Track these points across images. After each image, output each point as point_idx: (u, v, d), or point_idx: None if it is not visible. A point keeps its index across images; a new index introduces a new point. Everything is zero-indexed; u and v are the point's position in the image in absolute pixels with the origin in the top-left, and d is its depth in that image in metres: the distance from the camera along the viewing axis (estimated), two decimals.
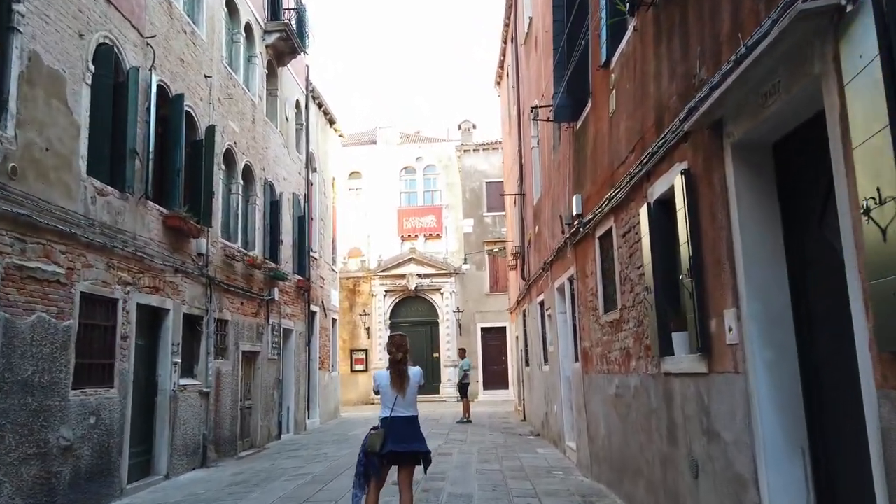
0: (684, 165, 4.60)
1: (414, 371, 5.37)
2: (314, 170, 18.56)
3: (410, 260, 27.61)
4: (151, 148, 8.89)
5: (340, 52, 70.89)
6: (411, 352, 5.59)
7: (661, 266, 5.21)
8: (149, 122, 8.89)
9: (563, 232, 9.19)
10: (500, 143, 23.89)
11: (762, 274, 3.80)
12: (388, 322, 27.42)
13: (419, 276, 27.32)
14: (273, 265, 14.18)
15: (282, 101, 15.66)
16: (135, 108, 8.50)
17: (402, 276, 27.35)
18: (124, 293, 8.16)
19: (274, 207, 14.75)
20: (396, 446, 5.13)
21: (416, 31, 72.34)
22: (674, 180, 4.75)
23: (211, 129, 10.98)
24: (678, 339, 4.90)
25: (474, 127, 30.19)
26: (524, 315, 15.79)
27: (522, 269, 15.07)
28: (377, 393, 5.42)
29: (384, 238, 28.58)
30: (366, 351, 27.16)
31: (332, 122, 20.53)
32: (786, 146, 3.77)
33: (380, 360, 26.76)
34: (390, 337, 5.53)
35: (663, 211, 5.30)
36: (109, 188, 7.95)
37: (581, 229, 7.95)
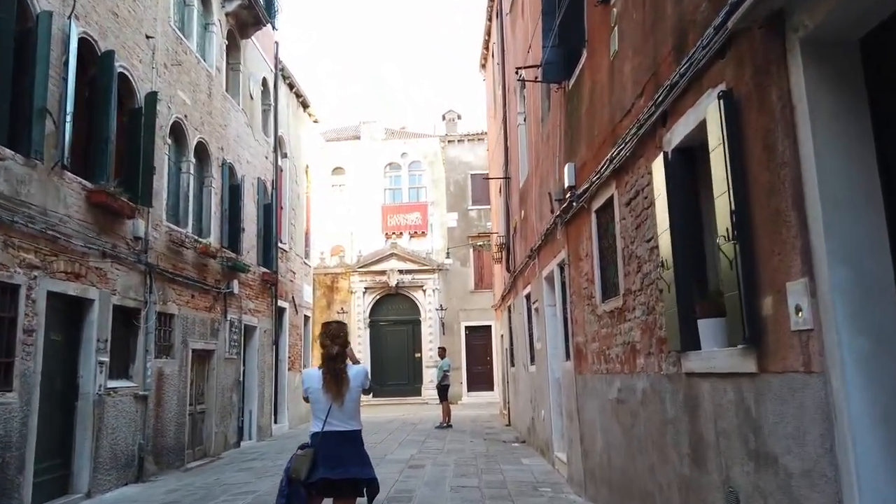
0: (721, 88, 3.36)
1: (356, 371, 4.09)
2: (284, 155, 17.22)
3: (391, 255, 26.32)
4: (70, 110, 7.54)
5: (322, 46, 69.49)
6: (352, 347, 4.31)
7: (681, 233, 3.98)
8: (66, 80, 7.55)
9: (552, 211, 7.96)
10: (486, 133, 22.67)
11: (850, 227, 2.57)
12: (368, 321, 26.12)
13: (400, 272, 26.03)
14: (232, 255, 12.84)
15: (245, 77, 14.33)
16: (45, 61, 7.15)
17: (383, 273, 26.05)
18: (28, 278, 6.81)
19: (234, 192, 13.41)
20: (329, 472, 3.87)
21: (398, 22, 71.03)
22: (705, 113, 3.51)
23: (152, 97, 9.64)
24: (707, 327, 3.67)
25: (459, 117, 28.98)
26: (509, 311, 14.56)
27: (507, 261, 13.83)
28: (307, 400, 4.13)
29: (368, 235, 27.26)
30: None
31: (305, 105, 19.20)
32: (881, 41, 2.55)
33: (359, 361, 25.46)
34: (324, 325, 4.23)
35: (685, 161, 4.07)
36: (8, 151, 6.61)
37: (574, 204, 6.72)
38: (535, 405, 10.58)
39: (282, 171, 17.06)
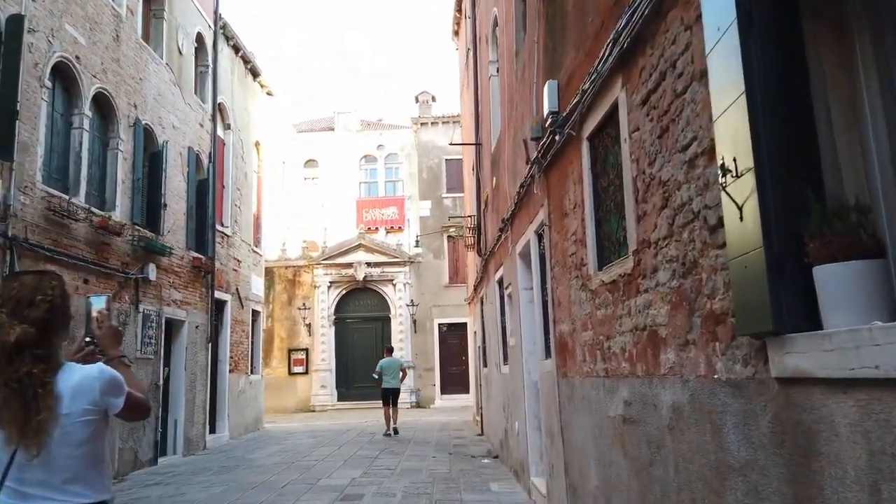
0: None
1: (87, 377, 1.95)
2: (227, 126, 15.09)
3: (359, 246, 24.24)
4: None
5: (284, 15, 67.23)
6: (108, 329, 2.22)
7: (772, 101, 1.99)
8: None
9: (527, 162, 5.96)
10: (461, 117, 20.68)
11: None
12: (333, 317, 23.98)
13: (369, 264, 23.94)
14: (148, 234, 10.71)
15: (172, 28, 12.19)
16: None
17: (350, 265, 23.94)
18: None
19: (154, 160, 11.27)
20: None
21: (368, 10, 68.88)
22: None
23: (16, 22, 7.50)
24: (839, 282, 1.69)
25: (433, 99, 26.97)
26: (481, 303, 12.57)
27: (478, 243, 11.84)
28: None
29: (342, 231, 25.13)
30: (306, 350, 23.66)
31: (255, 73, 17.05)
32: None
33: (322, 360, 23.39)
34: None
35: None
36: None
37: (556, 137, 4.72)
38: (509, 414, 8.59)
39: (224, 144, 14.92)
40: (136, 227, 10.37)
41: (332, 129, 33.05)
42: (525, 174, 6.04)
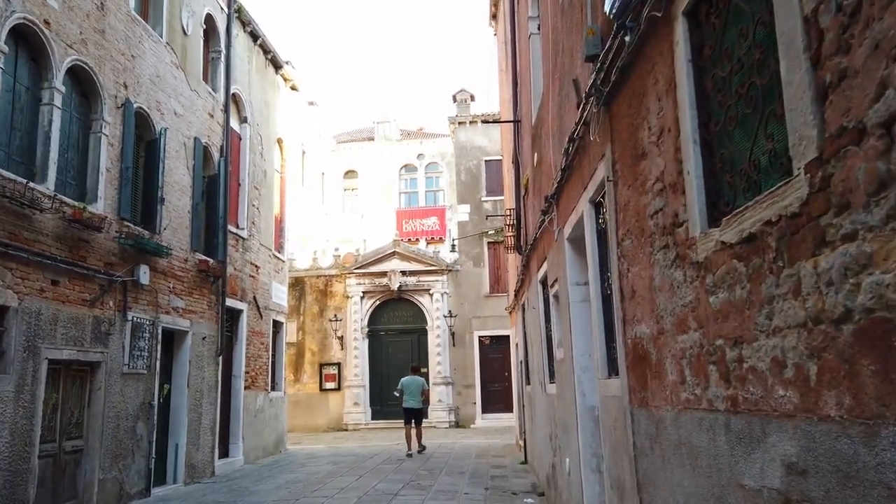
0: None
1: None
2: (244, 120, 13.82)
3: (394, 254, 22.73)
4: None
5: (331, 54, 66.96)
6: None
7: None
8: None
9: (579, 105, 4.29)
10: (499, 101, 19.07)
11: None
12: (367, 330, 22.52)
13: (404, 273, 22.42)
14: (140, 231, 9.40)
15: (174, 4, 10.96)
16: None
17: (384, 274, 22.46)
18: None
19: (150, 149, 10.00)
20: None
21: (402, 20, 68.09)
22: None
23: None
24: None
25: (472, 98, 25.40)
26: (523, 310, 10.86)
27: (518, 239, 10.15)
28: None
29: (382, 242, 23.68)
30: (338, 365, 22.24)
31: (276, 65, 15.80)
32: None
33: (355, 375, 21.92)
34: None
35: None
36: None
37: (628, 35, 3.05)
38: (557, 446, 6.85)
39: (239, 138, 13.66)
40: (125, 222, 9.06)
41: (372, 139, 32.10)
42: (577, 121, 4.36)
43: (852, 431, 1.49)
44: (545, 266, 7.11)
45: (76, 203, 7.98)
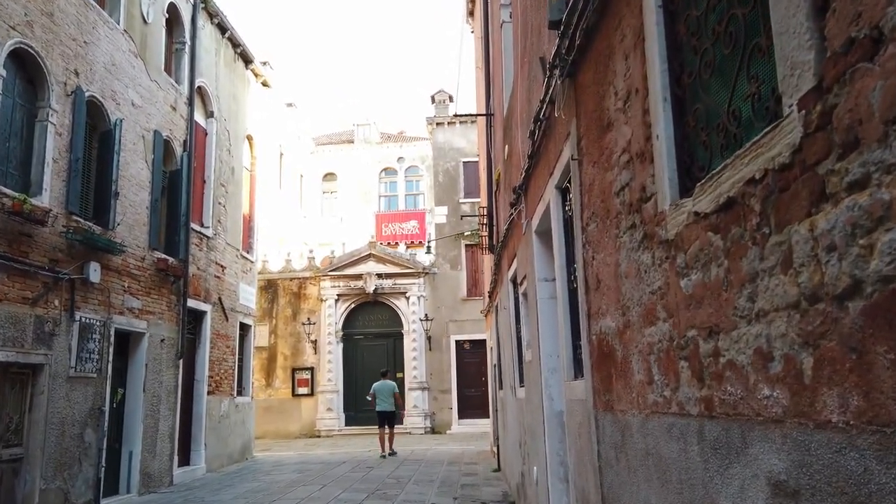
0: None
1: None
2: (210, 114, 13.33)
3: (369, 256, 22.27)
4: None
5: (310, 56, 66.47)
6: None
7: None
8: None
9: (544, 81, 3.92)
10: (478, 116, 18.75)
11: None
12: (341, 333, 22.00)
13: (379, 275, 21.95)
14: (90, 226, 8.88)
15: None
16: None
17: (359, 277, 21.97)
18: None
19: (104, 140, 9.50)
20: None
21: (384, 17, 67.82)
22: None
23: None
24: None
25: (451, 99, 25.06)
26: (496, 311, 10.49)
27: (491, 237, 9.79)
28: None
29: (362, 245, 23.19)
30: (311, 370, 21.69)
31: (246, 59, 15.31)
32: None
33: (329, 381, 21.39)
34: None
35: None
36: None
37: None
38: (526, 454, 6.47)
39: (205, 133, 13.16)
40: (74, 216, 8.55)
41: (352, 142, 31.67)
42: (542, 99, 3.99)
43: (862, 442, 1.12)
44: (515, 263, 6.75)
45: (16, 194, 7.47)
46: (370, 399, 14.76)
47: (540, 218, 4.83)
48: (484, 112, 9.53)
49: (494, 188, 8.82)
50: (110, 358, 9.29)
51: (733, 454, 1.60)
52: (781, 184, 1.39)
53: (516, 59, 6.29)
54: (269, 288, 21.98)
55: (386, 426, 14.30)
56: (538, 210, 4.88)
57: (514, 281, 7.19)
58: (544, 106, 4.00)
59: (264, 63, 17.79)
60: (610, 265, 2.74)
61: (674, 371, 2.02)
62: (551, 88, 3.75)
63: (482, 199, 14.31)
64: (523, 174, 5.25)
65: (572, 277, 3.86)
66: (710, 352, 1.75)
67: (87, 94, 8.97)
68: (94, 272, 8.80)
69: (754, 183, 1.50)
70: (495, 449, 12.22)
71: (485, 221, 11.22)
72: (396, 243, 24.90)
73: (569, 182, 3.83)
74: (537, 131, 4.30)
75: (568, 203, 3.91)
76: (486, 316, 15.08)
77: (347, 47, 69.32)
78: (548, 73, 3.75)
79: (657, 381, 2.18)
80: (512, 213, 6.05)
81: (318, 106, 57.79)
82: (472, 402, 21.34)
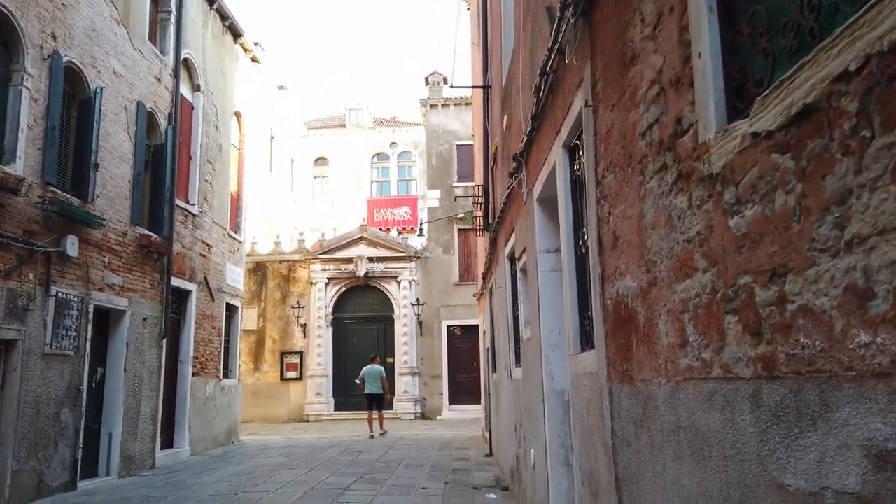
0: None
1: None
2: (197, 88, 12.89)
3: (360, 239, 21.91)
4: None
5: (304, 40, 65.64)
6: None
7: None
8: None
9: (551, 32, 3.58)
10: (475, 88, 18.32)
11: None
12: (331, 318, 21.67)
13: (370, 259, 21.61)
14: (68, 197, 8.49)
15: None
16: None
17: (350, 260, 21.62)
18: None
19: (84, 109, 9.09)
20: None
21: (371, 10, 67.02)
22: None
23: None
24: None
25: (445, 81, 24.59)
26: (490, 294, 10.19)
27: (486, 215, 9.47)
28: None
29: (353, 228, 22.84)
30: (300, 354, 21.37)
31: (235, 33, 14.85)
32: None
33: (318, 365, 21.09)
34: None
35: None
36: None
37: None
38: (522, 437, 6.19)
39: (192, 107, 12.74)
40: (50, 187, 8.16)
41: (344, 126, 31.27)
42: (549, 48, 3.66)
43: None
44: (513, 238, 6.43)
45: None
46: (359, 383, 15.37)
47: (543, 184, 4.51)
48: (481, 84, 9.17)
49: (491, 163, 8.48)
50: (89, 336, 8.93)
51: (806, 421, 1.29)
52: (891, 70, 1.07)
53: (518, 21, 5.93)
54: (258, 270, 21.60)
55: (374, 409, 14.98)
56: (541, 176, 4.56)
57: (511, 257, 6.88)
58: (552, 57, 3.67)
59: (256, 44, 17.37)
60: (631, 217, 2.42)
61: (717, 328, 1.71)
62: (560, 34, 3.41)
63: (477, 178, 13.98)
64: (525, 139, 4.92)
65: (580, 242, 3.54)
66: (772, 299, 1.44)
67: (65, 59, 8.55)
68: (72, 246, 8.42)
69: (847, 78, 1.18)
70: (487, 434, 11.98)
71: (480, 200, 10.89)
72: (388, 229, 24.55)
73: (578, 139, 3.51)
74: (543, 86, 3.97)
75: (576, 162, 3.59)
76: (478, 300, 14.80)
77: (341, 31, 68.46)
78: (557, 17, 3.41)
79: (693, 343, 1.87)
80: (512, 183, 5.72)
81: (311, 90, 57.10)
82: (464, 388, 21.11)
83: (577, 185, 3.64)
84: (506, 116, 6.93)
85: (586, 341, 3.43)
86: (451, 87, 9.84)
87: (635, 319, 2.39)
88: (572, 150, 3.69)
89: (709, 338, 1.77)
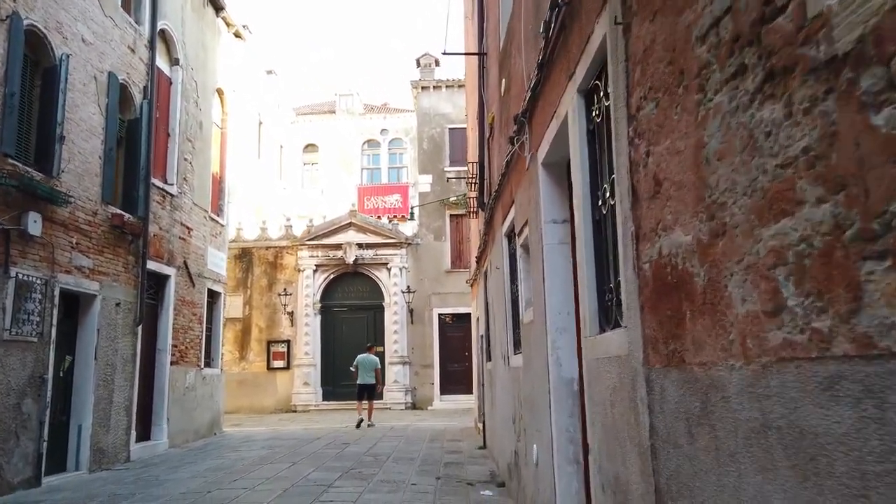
0: None
1: None
2: (175, 62, 12.20)
3: (349, 225, 21.31)
4: None
5: (294, 25, 64.61)
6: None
7: None
8: None
9: None
10: (466, 76, 17.66)
11: None
12: (319, 305, 21.09)
13: (360, 246, 21.02)
14: (29, 171, 7.85)
15: None
16: None
17: (338, 247, 21.03)
18: None
19: (48, 77, 8.43)
20: None
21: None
22: None
23: None
24: None
25: (437, 63, 23.96)
26: (485, 278, 9.63)
27: (481, 194, 8.90)
28: None
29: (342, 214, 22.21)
30: (287, 342, 20.79)
31: (216, 6, 14.14)
32: None
33: (306, 354, 20.52)
34: None
35: None
36: None
37: None
38: (521, 430, 5.65)
39: (170, 82, 12.06)
40: (9, 159, 7.51)
41: (334, 112, 30.65)
42: None
43: None
44: (512, 212, 5.86)
45: None
46: (353, 371, 14.91)
47: (550, 144, 3.94)
48: (476, 52, 8.56)
49: (487, 134, 7.89)
50: (54, 321, 8.31)
51: None
52: None
53: None
54: (244, 257, 20.98)
55: (365, 399, 14.55)
56: (547, 135, 3.99)
57: (509, 235, 6.31)
58: None
59: (244, 26, 16.70)
60: (683, 151, 1.85)
61: (846, 282, 1.15)
62: None
63: (471, 156, 13.40)
64: (528, 95, 4.34)
65: (600, 203, 2.98)
66: None
67: (25, 21, 7.87)
68: (35, 224, 7.78)
69: None
70: (481, 425, 11.46)
71: (474, 179, 10.30)
72: (379, 217, 23.95)
73: (597, 79, 2.94)
74: (554, 22, 3.38)
75: (595, 107, 3.02)
76: (472, 286, 14.25)
77: (330, 14, 67.37)
78: None
79: (794, 309, 1.31)
80: (512, 149, 5.14)
81: (300, 75, 56.15)
82: (455, 378, 20.60)
83: (594, 135, 3.07)
84: (504, 80, 6.35)
85: (607, 319, 2.88)
86: (444, 53, 9.21)
87: (689, 284, 1.83)
88: (589, 95, 3.12)
89: (827, 299, 1.21)
